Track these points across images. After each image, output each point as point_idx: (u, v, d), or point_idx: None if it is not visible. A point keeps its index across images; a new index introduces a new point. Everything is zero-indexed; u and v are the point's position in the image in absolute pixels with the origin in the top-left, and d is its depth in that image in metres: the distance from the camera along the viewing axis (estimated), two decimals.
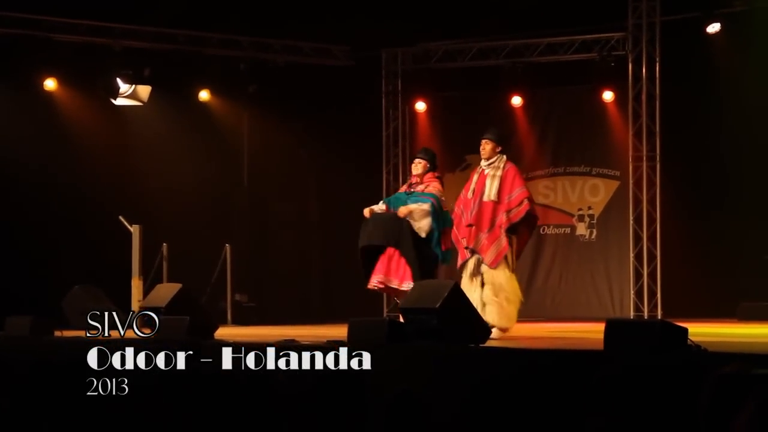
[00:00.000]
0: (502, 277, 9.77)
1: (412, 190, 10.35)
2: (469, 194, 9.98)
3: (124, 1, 14.06)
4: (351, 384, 4.02)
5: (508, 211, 9.78)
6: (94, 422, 4.35)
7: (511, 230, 9.82)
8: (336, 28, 14.93)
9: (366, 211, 10.35)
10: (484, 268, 9.81)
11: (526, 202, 9.82)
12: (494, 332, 9.21)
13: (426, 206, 10.08)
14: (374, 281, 10.20)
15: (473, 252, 9.88)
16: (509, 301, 9.76)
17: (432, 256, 10.10)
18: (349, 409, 3.98)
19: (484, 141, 10.05)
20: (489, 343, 8.44)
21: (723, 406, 3.20)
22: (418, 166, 10.40)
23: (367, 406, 4.02)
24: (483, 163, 10.06)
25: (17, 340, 10.26)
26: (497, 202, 9.81)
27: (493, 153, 10.00)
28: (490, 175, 9.92)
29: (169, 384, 5.22)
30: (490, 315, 9.56)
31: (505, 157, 10.04)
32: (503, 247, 9.75)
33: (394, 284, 10.06)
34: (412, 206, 10.09)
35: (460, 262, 10.00)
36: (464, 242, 9.89)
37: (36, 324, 10.52)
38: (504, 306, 9.71)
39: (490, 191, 9.84)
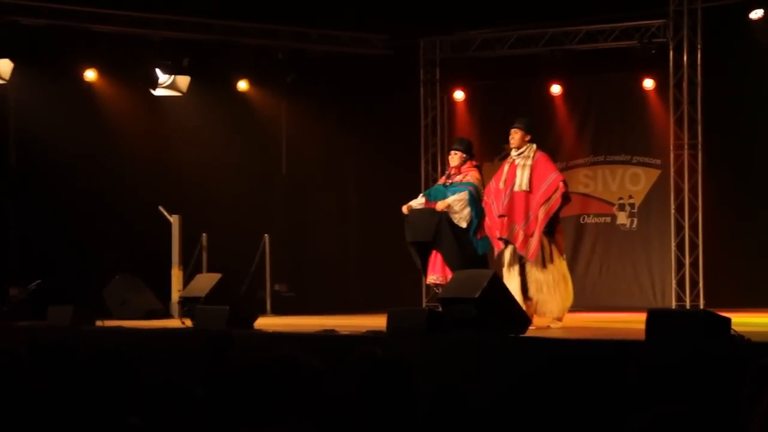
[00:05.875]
0: (550, 272, 9.76)
1: (450, 181, 10.33)
2: (501, 185, 9.97)
3: None
4: (397, 373, 4.00)
5: (546, 202, 9.73)
6: (134, 412, 4.35)
7: (551, 223, 9.81)
8: (374, 17, 14.88)
9: (404, 208, 10.35)
10: (526, 261, 9.80)
11: (561, 185, 9.83)
12: (552, 323, 9.44)
13: (463, 195, 10.06)
14: (431, 279, 10.24)
15: (507, 242, 9.87)
16: (559, 291, 9.77)
17: (473, 246, 10.07)
18: (397, 399, 3.96)
19: (513, 130, 10.05)
20: (534, 333, 8.43)
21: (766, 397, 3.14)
22: (454, 158, 10.39)
23: (417, 396, 4.00)
24: (513, 152, 10.06)
25: (59, 329, 10.33)
26: (529, 192, 9.80)
27: (522, 142, 9.99)
28: (521, 164, 9.91)
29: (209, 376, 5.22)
30: (543, 307, 9.64)
31: (534, 146, 10.04)
32: (538, 240, 9.72)
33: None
34: (449, 200, 10.07)
35: (495, 252, 10.01)
36: (497, 233, 9.87)
37: (77, 313, 10.61)
38: (554, 296, 9.74)
39: (521, 181, 9.82)
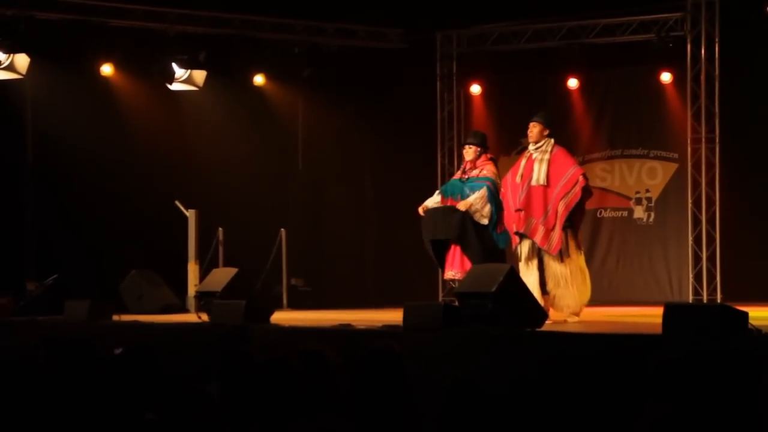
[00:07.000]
0: (568, 266, 9.75)
1: (466, 176, 10.29)
2: (518, 179, 9.96)
3: None
4: (388, 363, 4.01)
5: (565, 196, 9.72)
6: (150, 407, 4.36)
7: (571, 216, 9.80)
8: (390, 11, 14.87)
9: (420, 210, 10.30)
10: (545, 255, 9.78)
11: (581, 179, 9.80)
12: (569, 317, 9.55)
13: (483, 192, 10.02)
14: (450, 274, 10.19)
15: (523, 236, 9.85)
16: (576, 285, 9.77)
17: (493, 240, 10.05)
18: (390, 388, 3.96)
19: (531, 124, 10.04)
20: (551, 328, 8.41)
21: None
22: (469, 152, 10.35)
23: (407, 386, 4.00)
24: (530, 146, 10.05)
25: (76, 324, 10.36)
26: (546, 186, 9.77)
27: (541, 136, 9.97)
28: (538, 159, 9.89)
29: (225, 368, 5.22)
30: (560, 301, 9.64)
31: (552, 140, 10.03)
32: (560, 234, 9.71)
33: None
34: (470, 199, 10.02)
35: (513, 246, 10.01)
36: (513, 227, 9.86)
37: (94, 308, 10.63)
38: (571, 291, 9.74)
39: (539, 175, 9.80)
